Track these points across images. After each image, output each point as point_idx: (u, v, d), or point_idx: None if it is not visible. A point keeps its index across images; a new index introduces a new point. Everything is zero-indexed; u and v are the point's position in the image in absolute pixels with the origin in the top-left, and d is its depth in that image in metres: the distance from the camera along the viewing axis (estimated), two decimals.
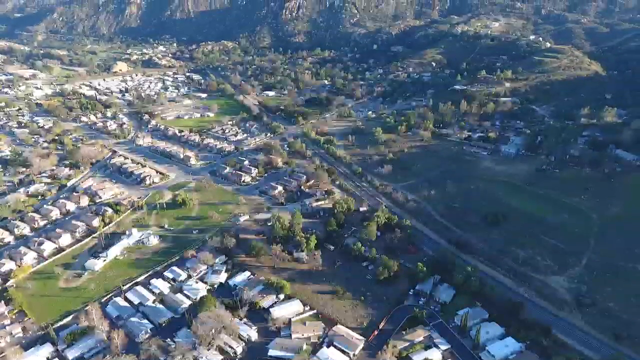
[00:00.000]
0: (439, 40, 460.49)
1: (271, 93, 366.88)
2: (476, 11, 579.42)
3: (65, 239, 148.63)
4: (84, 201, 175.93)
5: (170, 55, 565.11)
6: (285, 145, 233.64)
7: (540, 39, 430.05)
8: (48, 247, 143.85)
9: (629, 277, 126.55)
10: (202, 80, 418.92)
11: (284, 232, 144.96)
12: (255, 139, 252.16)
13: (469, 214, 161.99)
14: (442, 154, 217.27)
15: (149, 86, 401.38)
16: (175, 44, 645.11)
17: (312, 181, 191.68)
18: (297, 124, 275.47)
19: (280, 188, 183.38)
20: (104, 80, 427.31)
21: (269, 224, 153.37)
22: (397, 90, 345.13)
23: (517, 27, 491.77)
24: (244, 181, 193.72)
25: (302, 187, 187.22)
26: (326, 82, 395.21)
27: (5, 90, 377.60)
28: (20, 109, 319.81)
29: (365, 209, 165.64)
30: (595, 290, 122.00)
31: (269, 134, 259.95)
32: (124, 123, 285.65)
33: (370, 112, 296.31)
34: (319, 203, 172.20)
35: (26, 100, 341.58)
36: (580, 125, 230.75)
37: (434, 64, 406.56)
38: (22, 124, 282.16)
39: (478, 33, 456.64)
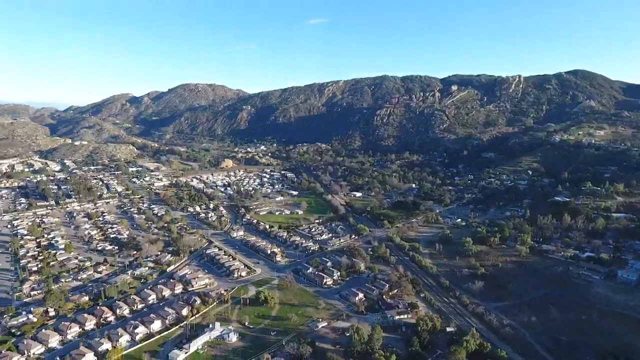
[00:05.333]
0: (535, 148, 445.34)
1: (358, 194, 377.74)
2: (576, 119, 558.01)
3: (157, 325, 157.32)
4: (178, 288, 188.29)
5: (269, 154, 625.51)
6: (369, 249, 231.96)
7: None
8: (141, 331, 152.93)
9: None
10: (295, 179, 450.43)
11: (363, 346, 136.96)
12: (340, 240, 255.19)
13: (581, 351, 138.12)
14: (544, 274, 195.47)
15: (248, 182, 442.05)
16: (275, 144, 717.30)
17: (395, 291, 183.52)
18: (383, 227, 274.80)
19: (361, 295, 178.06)
20: (212, 174, 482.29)
21: (347, 334, 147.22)
22: (490, 198, 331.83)
23: (627, 135, 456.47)
24: (325, 284, 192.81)
25: (384, 296, 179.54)
26: (414, 185, 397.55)
27: (134, 180, 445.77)
28: (142, 197, 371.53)
29: (452, 329, 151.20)
30: None
31: (353, 236, 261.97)
32: (223, 215, 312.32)
33: (459, 220, 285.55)
34: (402, 316, 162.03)
35: (148, 190, 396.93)
36: None
37: (530, 172, 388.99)
38: (141, 211, 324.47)
39: (580, 142, 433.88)
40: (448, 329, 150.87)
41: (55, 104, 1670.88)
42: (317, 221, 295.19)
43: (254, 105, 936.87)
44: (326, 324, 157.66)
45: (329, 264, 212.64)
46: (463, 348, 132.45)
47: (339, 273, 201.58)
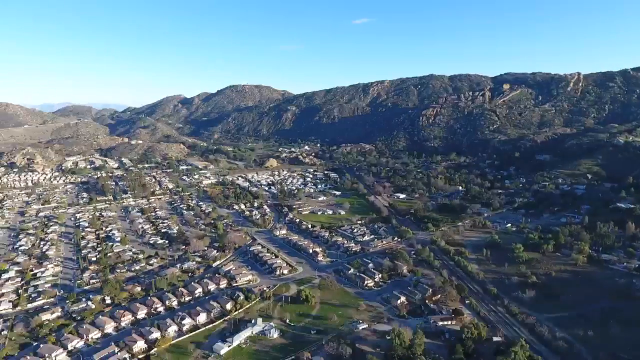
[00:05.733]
0: (596, 150, 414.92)
1: (402, 195, 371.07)
2: None
3: (202, 318, 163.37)
4: (223, 283, 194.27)
5: (313, 154, 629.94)
6: (412, 252, 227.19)
7: None
8: (188, 322, 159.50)
9: None
10: (338, 179, 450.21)
11: (404, 351, 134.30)
12: (382, 242, 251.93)
13: None
14: (603, 285, 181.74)
15: (292, 181, 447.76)
16: (318, 144, 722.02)
17: (439, 296, 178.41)
18: (427, 230, 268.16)
19: (403, 298, 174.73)
20: (257, 173, 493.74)
21: (388, 337, 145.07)
22: (543, 203, 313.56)
23: None
24: (366, 285, 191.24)
25: (427, 300, 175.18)
26: (460, 188, 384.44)
27: (184, 177, 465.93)
28: (190, 194, 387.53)
29: (499, 339, 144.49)
30: None
31: (396, 238, 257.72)
32: (266, 213, 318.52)
33: (509, 225, 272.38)
34: (445, 322, 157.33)
35: (196, 187, 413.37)
36: None
37: (589, 175, 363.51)
38: (190, 207, 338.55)
39: None
40: (495, 339, 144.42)
41: (115, 105, 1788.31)
42: (360, 222, 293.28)
43: (299, 105, 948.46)
44: (367, 325, 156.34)
45: (370, 265, 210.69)
46: (511, 359, 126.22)
47: (380, 275, 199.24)
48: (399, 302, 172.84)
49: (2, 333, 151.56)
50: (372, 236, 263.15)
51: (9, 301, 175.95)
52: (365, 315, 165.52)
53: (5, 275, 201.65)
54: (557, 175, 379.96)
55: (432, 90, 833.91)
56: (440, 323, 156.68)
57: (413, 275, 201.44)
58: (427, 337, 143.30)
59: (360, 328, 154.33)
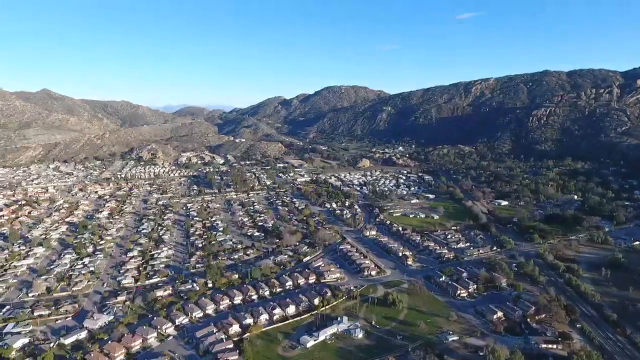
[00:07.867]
0: None
1: (504, 202, 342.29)
2: None
3: (291, 310, 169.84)
4: (312, 279, 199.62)
5: (407, 155, 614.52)
6: (514, 265, 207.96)
7: None
8: (278, 313, 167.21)
9: None
10: (433, 182, 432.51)
11: None
12: (478, 250, 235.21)
13: None
14: None
15: (384, 182, 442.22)
16: (413, 145, 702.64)
17: (543, 315, 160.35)
18: (532, 242, 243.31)
19: (500, 314, 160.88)
20: (349, 173, 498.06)
21: (481, 353, 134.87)
22: None
23: None
24: (459, 295, 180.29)
25: (529, 319, 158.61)
26: (576, 197, 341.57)
27: (280, 174, 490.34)
28: (286, 190, 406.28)
29: None
30: None
31: (495, 248, 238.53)
32: (357, 213, 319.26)
33: (637, 243, 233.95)
34: (549, 346, 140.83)
35: (291, 184, 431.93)
36: None
37: None
38: (284, 203, 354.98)
39: None
40: None
41: (223, 106, 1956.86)
42: (454, 228, 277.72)
43: (394, 105, 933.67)
44: (457, 338, 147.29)
45: (464, 274, 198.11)
46: None
47: (475, 286, 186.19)
48: (495, 317, 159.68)
49: (126, 304, 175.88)
50: (468, 244, 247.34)
51: (132, 276, 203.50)
52: (456, 326, 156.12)
53: (130, 254, 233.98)
54: None
55: (546, 88, 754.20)
56: (544, 345, 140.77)
57: (513, 289, 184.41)
58: None
59: (450, 339, 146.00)
